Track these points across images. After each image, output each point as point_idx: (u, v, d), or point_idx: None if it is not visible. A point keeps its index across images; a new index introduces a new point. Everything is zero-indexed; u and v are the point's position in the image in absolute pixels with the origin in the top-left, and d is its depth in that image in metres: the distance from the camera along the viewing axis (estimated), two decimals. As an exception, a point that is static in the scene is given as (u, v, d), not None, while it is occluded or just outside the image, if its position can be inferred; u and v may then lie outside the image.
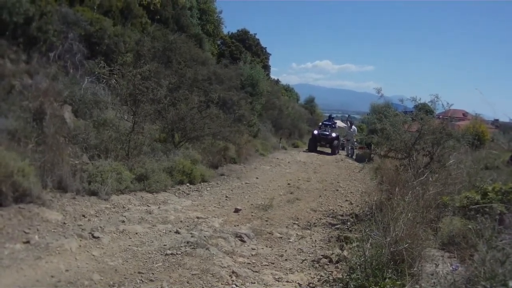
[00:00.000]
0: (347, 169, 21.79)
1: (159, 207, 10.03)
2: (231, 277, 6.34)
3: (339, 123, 43.03)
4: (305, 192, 14.04)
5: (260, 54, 39.72)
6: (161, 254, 6.99)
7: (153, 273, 6.18)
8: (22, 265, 5.79)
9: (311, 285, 6.28)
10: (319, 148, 33.20)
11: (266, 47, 42.12)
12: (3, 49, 11.60)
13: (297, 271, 6.94)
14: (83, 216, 8.37)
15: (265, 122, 31.24)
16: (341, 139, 35.48)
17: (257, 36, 40.87)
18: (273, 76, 47.38)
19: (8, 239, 6.51)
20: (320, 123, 36.05)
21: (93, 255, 6.62)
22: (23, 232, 6.88)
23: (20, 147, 8.83)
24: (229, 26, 70.71)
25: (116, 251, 6.92)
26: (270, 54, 43.88)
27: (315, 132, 33.14)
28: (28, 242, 6.56)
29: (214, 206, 11.05)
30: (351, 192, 14.68)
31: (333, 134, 32.75)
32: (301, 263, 7.32)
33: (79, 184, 9.45)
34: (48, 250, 6.44)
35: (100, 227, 7.83)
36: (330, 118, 37.84)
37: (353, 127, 33.62)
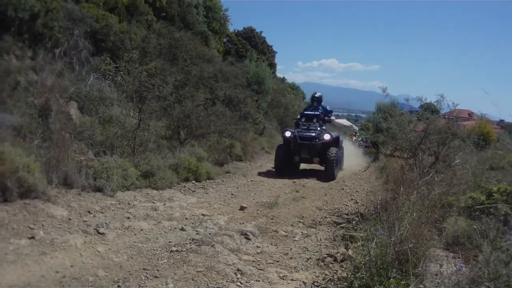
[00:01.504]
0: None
1: (164, 204, 10.03)
2: (236, 275, 6.30)
3: (344, 122, 40.99)
4: (311, 191, 14.01)
5: (266, 52, 39.64)
6: (166, 251, 6.97)
7: (158, 270, 6.16)
8: (27, 261, 5.77)
9: (315, 283, 6.24)
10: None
11: (272, 45, 42.05)
12: (8, 45, 11.60)
13: (302, 270, 6.90)
14: (89, 212, 8.38)
15: (271, 120, 31.24)
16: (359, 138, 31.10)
17: (263, 34, 40.82)
18: (279, 74, 47.37)
19: (13, 235, 6.50)
20: (299, 117, 19.35)
21: (98, 251, 6.61)
22: (28, 227, 6.87)
23: (26, 143, 8.80)
24: (235, 24, 70.76)
25: (121, 248, 6.91)
26: (276, 52, 43.78)
27: (288, 134, 17.97)
28: (33, 237, 6.54)
29: (220, 204, 11.06)
30: (356, 191, 14.62)
31: (326, 136, 17.60)
32: (306, 261, 7.27)
33: (85, 180, 9.44)
34: (53, 245, 6.42)
35: (105, 223, 7.82)
36: (316, 101, 20.18)
37: None
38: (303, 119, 18.60)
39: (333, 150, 17.07)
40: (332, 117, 20.92)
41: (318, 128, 18.01)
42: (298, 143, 17.29)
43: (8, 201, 7.29)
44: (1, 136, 8.32)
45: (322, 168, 17.98)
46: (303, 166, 19.06)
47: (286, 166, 17.53)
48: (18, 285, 5.09)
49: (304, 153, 17.52)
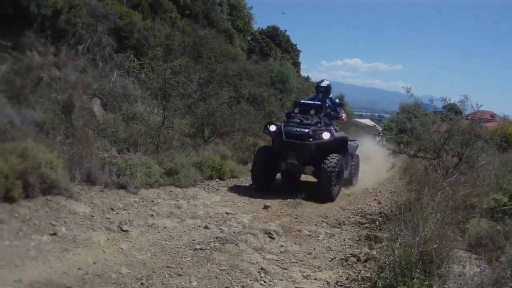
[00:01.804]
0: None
1: (188, 202, 9.98)
2: (260, 274, 6.24)
3: (367, 122, 40.35)
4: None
5: (290, 51, 39.59)
6: (190, 249, 6.92)
7: (181, 268, 6.12)
8: (49, 257, 5.73)
9: (339, 283, 6.17)
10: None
11: (296, 44, 41.99)
12: (31, 41, 11.62)
13: (326, 269, 6.84)
14: (112, 209, 8.33)
15: (295, 119, 31.21)
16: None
17: (287, 33, 40.76)
18: (303, 73, 47.25)
19: (34, 231, 6.46)
20: (292, 109, 13.74)
21: (121, 248, 6.56)
22: (50, 224, 6.83)
23: (48, 139, 8.80)
24: (259, 22, 70.89)
25: (144, 245, 6.86)
26: (300, 51, 43.72)
27: (272, 128, 12.67)
28: (55, 234, 6.50)
29: (244, 202, 11.02)
30: (379, 192, 14.56)
31: (324, 135, 12.08)
32: (330, 261, 7.21)
33: (108, 177, 9.39)
34: (75, 242, 6.38)
35: (129, 220, 7.77)
36: (322, 92, 14.36)
37: None
38: (296, 110, 13.23)
39: (333, 157, 11.94)
40: (342, 114, 14.33)
41: (318, 124, 12.61)
42: (283, 142, 12.14)
43: (30, 197, 7.24)
44: (24, 132, 8.32)
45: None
46: (303, 177, 14.36)
47: (268, 177, 12.93)
48: (40, 281, 5.04)
49: (292, 157, 12.30)
